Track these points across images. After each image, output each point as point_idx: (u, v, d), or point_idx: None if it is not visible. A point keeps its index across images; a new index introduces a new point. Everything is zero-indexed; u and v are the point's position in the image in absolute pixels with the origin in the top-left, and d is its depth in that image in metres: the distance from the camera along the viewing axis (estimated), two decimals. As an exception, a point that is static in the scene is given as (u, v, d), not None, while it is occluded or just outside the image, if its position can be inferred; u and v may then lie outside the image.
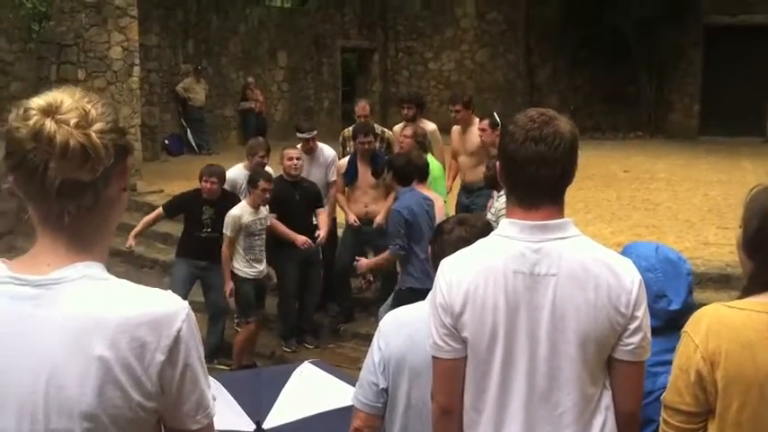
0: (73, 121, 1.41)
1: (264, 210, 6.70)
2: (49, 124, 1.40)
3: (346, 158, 7.36)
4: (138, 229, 7.01)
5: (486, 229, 2.70)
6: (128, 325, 1.41)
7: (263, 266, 6.74)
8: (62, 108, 1.42)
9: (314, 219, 7.20)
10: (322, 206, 7.23)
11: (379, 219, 7.06)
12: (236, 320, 7.07)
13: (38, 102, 1.43)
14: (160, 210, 7.14)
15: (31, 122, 1.41)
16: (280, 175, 7.07)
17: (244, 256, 6.61)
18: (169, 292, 1.50)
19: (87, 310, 1.42)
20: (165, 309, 1.46)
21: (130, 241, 6.91)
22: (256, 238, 6.64)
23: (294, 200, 6.91)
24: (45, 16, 11.30)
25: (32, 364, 1.41)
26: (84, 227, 1.47)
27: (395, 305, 5.87)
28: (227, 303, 6.88)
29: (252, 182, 6.59)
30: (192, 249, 6.82)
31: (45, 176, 1.40)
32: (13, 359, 1.42)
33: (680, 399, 2.03)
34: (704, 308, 2.08)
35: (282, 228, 6.85)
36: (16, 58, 12.41)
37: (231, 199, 6.84)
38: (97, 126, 1.44)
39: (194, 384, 1.50)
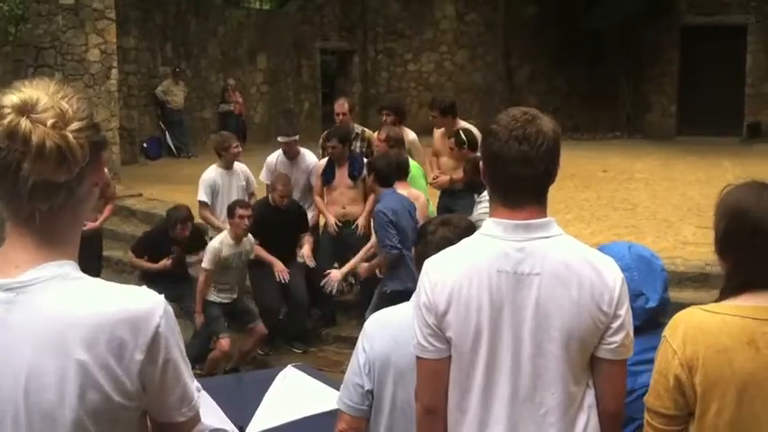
0: (50, 122, 1.37)
1: (248, 243, 6.65)
2: (25, 123, 1.36)
3: (324, 159, 7.36)
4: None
5: (470, 229, 2.69)
6: (105, 325, 1.39)
7: (235, 295, 6.70)
8: (38, 107, 1.38)
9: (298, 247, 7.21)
10: (308, 230, 7.21)
11: (360, 221, 7.05)
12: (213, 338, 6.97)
13: (12, 99, 1.39)
14: (131, 254, 7.17)
15: (5, 121, 1.36)
16: (265, 198, 7.08)
17: (215, 285, 6.53)
18: (144, 287, 1.48)
19: (62, 313, 1.39)
20: (141, 306, 1.43)
21: None
22: (233, 272, 6.59)
23: (279, 226, 6.88)
24: (22, 19, 11.21)
25: (10, 370, 1.38)
26: (54, 225, 1.43)
27: (379, 307, 5.84)
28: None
29: (229, 212, 6.52)
30: (160, 284, 6.53)
31: (17, 176, 1.36)
32: None
33: (660, 402, 2.05)
34: (682, 312, 2.10)
35: (262, 253, 6.87)
36: (-8, 62, 12.29)
37: (195, 235, 6.96)
38: (74, 126, 1.40)
39: (177, 378, 1.48)
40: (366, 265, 6.53)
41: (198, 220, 7.26)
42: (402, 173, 6.28)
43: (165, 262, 6.76)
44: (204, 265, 6.43)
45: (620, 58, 17.47)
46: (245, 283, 7.02)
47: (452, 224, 2.67)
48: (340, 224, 7.18)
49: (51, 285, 1.41)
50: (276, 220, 6.87)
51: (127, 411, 1.44)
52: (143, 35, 14.61)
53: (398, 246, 5.83)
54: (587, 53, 17.27)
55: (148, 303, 1.44)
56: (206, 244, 6.86)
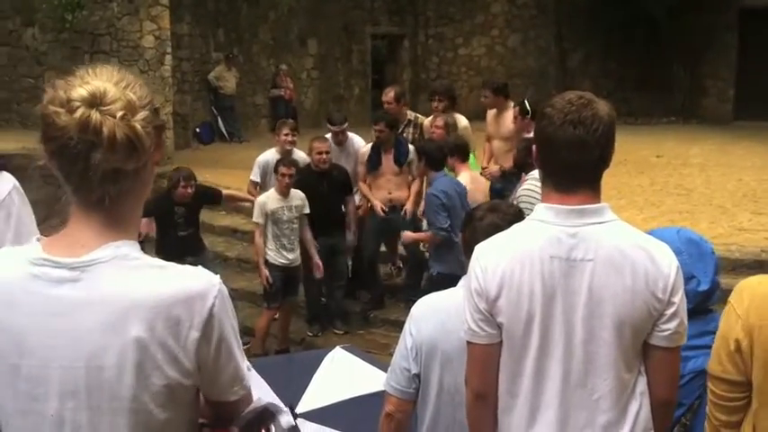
0: (119, 114, 1.42)
1: (298, 198, 6.71)
2: (95, 116, 1.41)
3: (369, 146, 7.37)
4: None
5: (519, 215, 2.68)
6: (162, 304, 1.43)
7: (293, 256, 6.75)
8: (106, 98, 1.42)
9: (343, 207, 7.24)
10: (351, 193, 7.24)
11: (408, 206, 7.07)
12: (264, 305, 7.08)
13: (81, 92, 1.42)
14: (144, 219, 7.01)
15: (76, 115, 1.40)
16: (309, 164, 7.11)
17: (272, 242, 6.65)
18: (200, 268, 1.52)
19: (122, 292, 1.44)
20: (197, 285, 1.47)
21: None
22: (285, 226, 6.66)
23: (322, 190, 6.92)
24: (78, 6, 11.40)
25: (72, 346, 1.44)
26: (121, 207, 1.49)
27: (428, 291, 5.89)
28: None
29: (275, 168, 6.69)
30: (175, 250, 6.46)
31: (87, 164, 1.41)
32: (54, 340, 1.45)
33: (722, 368, 2.03)
34: (749, 279, 2.08)
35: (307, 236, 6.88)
36: (50, 48, 12.55)
37: (199, 192, 6.85)
38: (140, 115, 1.45)
39: (229, 357, 1.52)
40: (411, 234, 6.56)
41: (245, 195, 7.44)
42: (464, 154, 6.38)
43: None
44: (254, 219, 6.64)
45: (675, 41, 17.08)
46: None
47: (501, 210, 2.66)
48: (386, 209, 7.19)
49: (113, 265, 1.45)
50: (319, 185, 6.90)
51: (183, 388, 1.48)
52: (196, 21, 14.75)
53: (448, 229, 5.87)
54: (642, 36, 16.93)
55: (204, 283, 1.48)
56: (217, 196, 7.08)
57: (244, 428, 1.59)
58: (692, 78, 17.72)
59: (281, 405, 1.68)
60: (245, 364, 1.57)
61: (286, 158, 6.81)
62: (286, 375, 3.65)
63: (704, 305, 2.53)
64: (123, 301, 1.43)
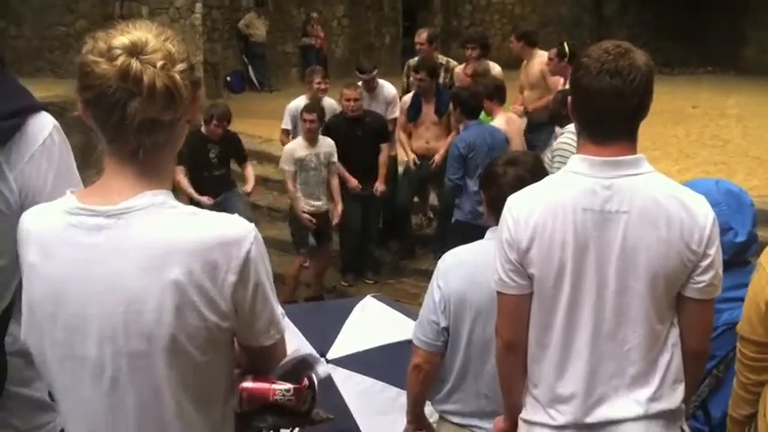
0: (159, 63, 1.43)
1: (327, 145, 6.70)
2: (136, 65, 1.42)
3: (410, 95, 7.31)
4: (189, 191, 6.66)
5: (538, 163, 2.67)
6: (200, 248, 1.45)
7: (320, 203, 6.77)
8: (147, 48, 1.44)
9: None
10: (387, 140, 7.19)
11: (437, 158, 7.03)
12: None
13: (122, 40, 1.44)
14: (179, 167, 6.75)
15: (117, 62, 1.42)
16: (342, 111, 7.07)
17: (300, 189, 6.66)
18: (236, 215, 1.54)
19: (160, 237, 1.46)
20: (234, 231, 1.50)
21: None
22: (312, 173, 6.66)
23: (356, 137, 6.89)
24: (109, -47, 11.35)
25: (110, 291, 1.46)
26: (154, 159, 1.50)
27: (450, 238, 5.99)
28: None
29: (300, 114, 6.65)
30: (207, 193, 6.62)
31: (124, 113, 1.42)
32: (91, 287, 1.47)
33: (751, 329, 2.02)
34: None
35: (340, 170, 6.88)
36: (81, -4, 12.54)
37: (232, 138, 6.92)
38: (179, 66, 1.47)
39: (265, 302, 1.54)
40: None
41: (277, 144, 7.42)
42: (500, 97, 6.38)
43: (205, 199, 6.48)
44: (282, 167, 6.66)
45: (715, -12, 16.64)
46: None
47: (520, 162, 2.62)
48: (418, 161, 7.16)
49: (150, 212, 1.47)
50: (351, 131, 6.87)
51: (220, 331, 1.50)
52: (226, -32, 14.62)
53: (456, 180, 5.97)
54: (681, -17, 16.50)
55: (240, 229, 1.50)
56: (243, 153, 7.07)
57: (282, 376, 1.61)
58: (732, 28, 17.26)
59: (312, 352, 1.71)
60: (279, 309, 1.60)
61: (309, 105, 6.75)
62: (317, 322, 3.70)
63: (741, 257, 2.51)
64: (161, 245, 1.45)
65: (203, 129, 6.69)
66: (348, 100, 6.88)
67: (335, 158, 6.75)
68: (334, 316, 3.74)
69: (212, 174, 6.76)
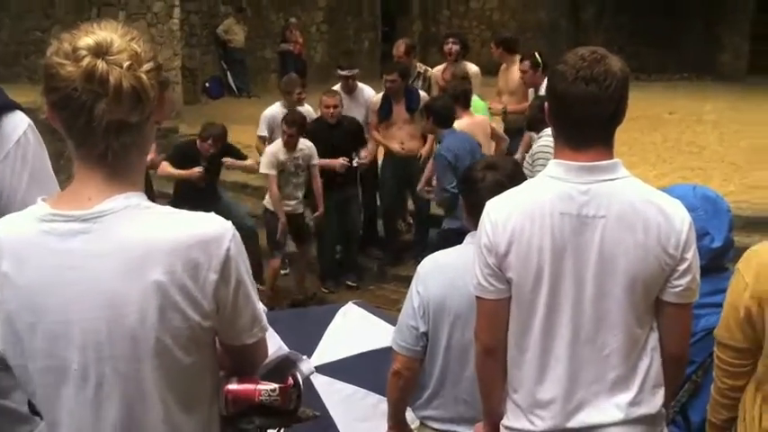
0: (125, 64, 1.41)
1: (306, 147, 6.67)
2: (101, 65, 1.40)
3: (380, 95, 7.32)
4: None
5: (517, 168, 2.67)
6: (179, 247, 1.44)
7: (295, 202, 6.76)
8: (113, 48, 1.42)
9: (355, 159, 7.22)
10: (364, 144, 7.20)
11: (424, 151, 7.00)
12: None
13: (87, 41, 1.42)
14: (163, 163, 6.78)
15: (83, 63, 1.40)
16: (320, 116, 7.07)
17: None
18: (212, 213, 1.52)
19: (138, 238, 1.44)
20: (212, 229, 1.49)
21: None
22: (291, 177, 6.66)
23: (333, 142, 6.89)
24: (86, -43, 11.28)
25: (91, 297, 1.44)
26: (124, 161, 1.48)
27: (437, 246, 5.95)
28: (251, 222, 6.90)
29: (281, 124, 6.64)
30: (191, 201, 6.58)
31: (92, 116, 1.40)
32: (70, 293, 1.45)
33: (729, 334, 2.04)
34: (757, 246, 2.07)
35: (322, 161, 6.85)
36: (58, 1, 12.44)
37: (224, 151, 6.80)
38: (145, 66, 1.45)
39: (247, 299, 1.54)
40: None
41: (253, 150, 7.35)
42: (465, 101, 6.35)
43: (196, 170, 6.53)
44: (262, 170, 6.60)
45: (691, -5, 16.80)
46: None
47: (499, 167, 2.62)
48: (404, 148, 7.14)
49: (125, 214, 1.46)
50: (329, 136, 6.86)
51: (203, 331, 1.50)
52: (204, -27, 14.58)
53: (453, 190, 5.87)
54: (657, -10, 16.64)
55: (218, 227, 1.50)
56: (241, 155, 6.99)
57: (266, 376, 1.61)
58: (708, 33, 17.44)
59: (298, 353, 1.70)
60: (261, 306, 1.59)
61: (289, 117, 6.72)
62: (298, 329, 3.68)
63: (718, 262, 2.53)
64: (140, 246, 1.44)
65: (198, 143, 6.65)
66: (327, 107, 6.89)
67: (316, 160, 6.74)
68: (315, 323, 3.73)
69: (199, 184, 6.72)
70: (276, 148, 6.64)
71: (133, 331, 1.44)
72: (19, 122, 1.81)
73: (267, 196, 6.75)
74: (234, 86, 15.10)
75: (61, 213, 1.46)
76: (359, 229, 7.45)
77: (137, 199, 1.48)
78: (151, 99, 1.45)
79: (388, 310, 5.90)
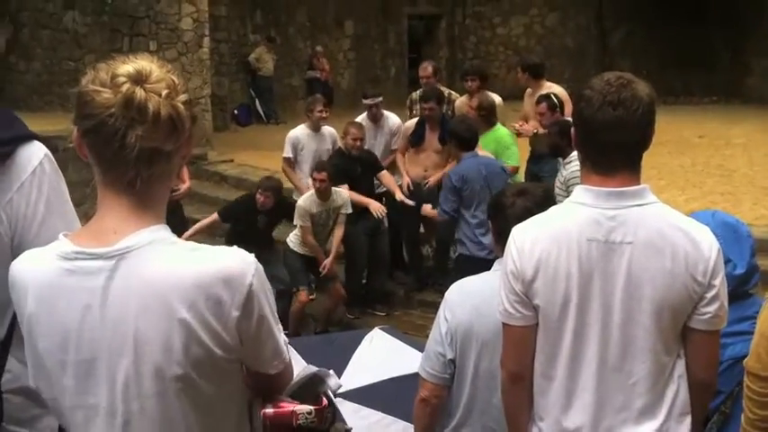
0: (164, 92, 1.44)
1: (340, 199, 6.69)
2: (140, 92, 1.42)
3: (414, 120, 7.34)
4: (190, 233, 6.69)
5: (548, 195, 2.65)
6: (203, 285, 1.44)
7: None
8: (152, 77, 1.44)
9: (376, 188, 7.25)
10: (382, 168, 7.21)
11: (431, 180, 7.02)
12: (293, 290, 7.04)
13: (126, 68, 1.44)
14: (215, 216, 6.98)
15: (122, 90, 1.41)
16: (339, 148, 7.12)
17: (299, 237, 6.69)
18: (235, 248, 1.52)
19: (162, 276, 1.44)
20: (235, 264, 1.49)
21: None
22: (320, 228, 6.70)
23: (357, 174, 6.93)
24: (117, -11, 11.51)
25: (117, 334, 1.45)
26: (150, 191, 1.49)
27: (457, 272, 5.97)
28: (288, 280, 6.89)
29: (312, 172, 6.69)
30: (246, 244, 6.63)
31: (124, 142, 1.41)
32: (97, 332, 1.46)
33: (761, 365, 2.00)
34: None
35: (355, 195, 6.87)
36: (90, 31, 12.68)
37: (284, 207, 6.90)
38: (182, 97, 1.47)
39: (269, 334, 1.55)
40: (428, 207, 6.54)
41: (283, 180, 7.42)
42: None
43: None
44: (296, 222, 6.66)
45: (719, 18, 16.72)
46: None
47: (529, 193, 2.61)
48: (412, 188, 7.15)
49: (150, 250, 1.46)
50: (351, 168, 6.90)
51: (228, 363, 1.51)
52: (233, 3, 14.80)
53: (451, 212, 5.95)
54: (684, 14, 16.59)
55: (241, 263, 1.50)
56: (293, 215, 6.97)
57: (296, 394, 1.63)
58: (736, 57, 17.34)
59: (326, 369, 1.71)
60: (282, 338, 1.60)
61: (319, 163, 6.79)
62: (325, 355, 3.69)
63: (742, 289, 2.49)
64: (164, 284, 1.44)
65: (257, 195, 6.75)
66: (355, 139, 6.92)
67: (349, 210, 6.77)
68: (341, 348, 3.73)
69: (253, 238, 6.71)
70: (307, 203, 6.63)
71: (159, 368, 1.45)
72: (35, 153, 1.81)
73: (290, 236, 6.77)
74: (262, 113, 15.26)
75: (85, 251, 1.46)
76: (387, 256, 7.44)
77: (162, 233, 1.49)
78: (186, 128, 1.48)
79: (414, 335, 5.88)
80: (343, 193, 6.74)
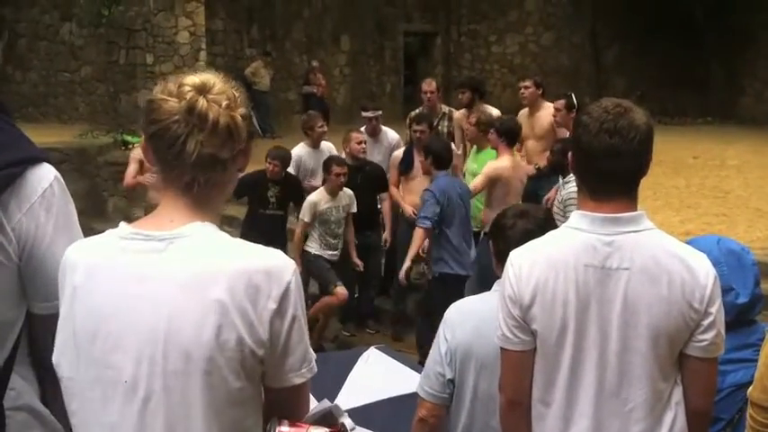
0: (224, 103, 1.56)
1: (347, 197, 6.73)
2: (203, 102, 1.54)
3: (401, 149, 7.28)
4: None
5: (548, 218, 2.66)
6: (244, 271, 1.50)
7: (337, 253, 6.80)
8: (214, 89, 1.56)
9: (378, 205, 7.22)
10: (386, 190, 7.20)
11: (408, 211, 6.93)
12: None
13: (193, 80, 1.56)
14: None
15: (187, 97, 1.53)
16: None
17: (318, 239, 6.70)
18: (279, 251, 1.59)
19: (206, 260, 1.51)
20: (278, 260, 1.55)
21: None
22: (333, 225, 6.70)
23: (356, 186, 6.91)
24: (115, 1, 11.54)
25: (152, 309, 1.49)
26: (206, 196, 1.59)
27: (432, 293, 5.93)
28: None
29: (326, 167, 6.67)
30: (259, 229, 6.65)
31: (184, 147, 1.52)
32: (133, 304, 1.50)
33: (765, 396, 2.00)
34: None
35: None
36: (86, 43, 12.72)
37: (293, 181, 6.97)
38: (241, 110, 1.59)
39: (300, 337, 1.57)
40: (403, 272, 6.35)
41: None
42: (511, 137, 6.32)
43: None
44: (302, 217, 6.69)
45: (713, 40, 16.85)
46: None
47: (530, 215, 2.61)
48: (415, 214, 7.13)
49: (199, 237, 1.54)
50: (353, 179, 6.80)
51: (255, 359, 1.51)
52: (230, 17, 14.87)
53: (432, 218, 5.89)
54: (678, 34, 16.71)
55: (284, 260, 1.57)
56: (303, 197, 6.94)
57: (314, 424, 1.62)
58: (730, 78, 17.46)
59: (341, 407, 1.71)
60: (311, 348, 1.62)
61: (337, 157, 6.83)
62: (320, 374, 3.66)
63: (745, 317, 2.49)
64: (207, 266, 1.50)
65: (267, 165, 6.80)
66: (359, 143, 6.93)
67: (354, 209, 6.79)
68: (337, 368, 3.71)
69: (267, 211, 6.88)
70: (317, 197, 6.66)
71: (188, 345, 1.48)
72: (45, 175, 1.82)
73: (307, 243, 6.77)
74: (258, 127, 15.27)
75: (142, 232, 1.55)
76: (379, 274, 7.42)
77: (212, 227, 1.57)
78: (243, 138, 1.58)
79: (410, 354, 5.88)
80: (348, 191, 6.74)
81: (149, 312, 1.49)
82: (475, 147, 7.02)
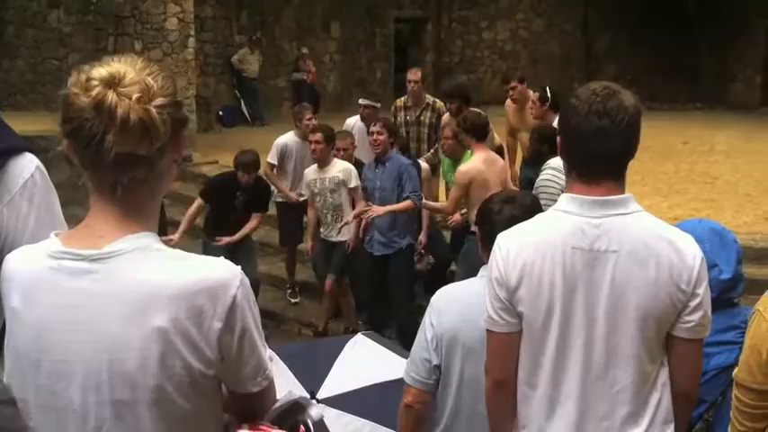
0: (135, 96, 1.41)
1: (337, 170, 6.48)
2: (111, 96, 1.40)
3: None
4: (183, 228, 6.64)
5: (535, 205, 2.65)
6: (184, 294, 1.42)
7: (333, 235, 6.58)
8: (125, 80, 1.42)
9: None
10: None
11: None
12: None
13: (100, 72, 1.43)
14: (199, 200, 6.91)
15: (93, 93, 1.40)
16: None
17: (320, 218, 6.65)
18: (221, 258, 1.50)
19: (143, 282, 1.42)
20: (219, 276, 1.46)
21: (176, 239, 6.26)
22: (318, 198, 6.55)
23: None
24: (103, -12, 11.45)
25: (94, 338, 1.43)
26: (135, 198, 1.47)
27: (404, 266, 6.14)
28: (257, 275, 6.76)
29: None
30: (221, 231, 6.72)
31: (101, 147, 1.40)
32: (74, 334, 1.44)
33: (751, 378, 2.00)
34: None
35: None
36: (74, 30, 12.60)
37: (263, 187, 6.91)
38: (157, 101, 1.43)
39: (252, 348, 1.51)
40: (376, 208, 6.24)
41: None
42: (479, 134, 6.24)
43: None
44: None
45: (703, 27, 16.85)
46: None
47: (517, 201, 2.62)
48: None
49: (133, 256, 1.44)
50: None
51: (206, 378, 1.47)
52: (219, 4, 14.75)
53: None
54: (669, 21, 16.70)
55: (226, 273, 1.47)
56: (266, 205, 6.94)
57: (276, 420, 1.59)
58: (720, 64, 17.47)
59: (300, 392, 1.69)
60: (267, 354, 1.57)
61: (314, 126, 6.80)
62: (308, 361, 3.67)
63: (728, 296, 2.50)
64: (144, 291, 1.42)
65: (239, 175, 6.70)
66: (339, 149, 6.72)
67: (352, 184, 6.43)
68: (324, 354, 3.71)
69: (230, 217, 6.78)
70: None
71: (133, 376, 1.42)
72: (26, 165, 1.80)
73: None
74: (247, 115, 15.21)
75: (72, 252, 1.45)
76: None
77: (148, 240, 1.47)
78: (161, 134, 1.43)
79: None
80: (345, 164, 6.51)
81: (90, 342, 1.43)
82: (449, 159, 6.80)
